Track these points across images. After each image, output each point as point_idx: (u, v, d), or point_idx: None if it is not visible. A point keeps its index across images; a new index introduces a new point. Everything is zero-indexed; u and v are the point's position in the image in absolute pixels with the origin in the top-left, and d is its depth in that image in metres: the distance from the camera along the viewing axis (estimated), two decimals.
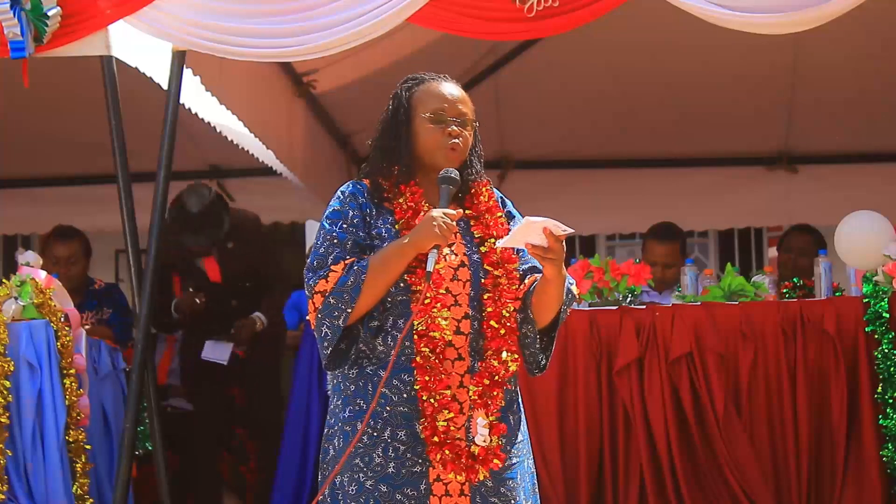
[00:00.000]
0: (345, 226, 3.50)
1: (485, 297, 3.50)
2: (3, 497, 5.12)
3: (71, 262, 6.67)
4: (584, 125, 8.34)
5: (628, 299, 5.70)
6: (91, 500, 5.43)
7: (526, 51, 7.71)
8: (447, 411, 3.40)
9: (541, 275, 3.50)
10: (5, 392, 5.17)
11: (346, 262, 3.44)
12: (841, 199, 7.87)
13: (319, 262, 3.46)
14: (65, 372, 5.37)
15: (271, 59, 5.82)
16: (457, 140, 3.53)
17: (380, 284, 3.43)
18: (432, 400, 3.41)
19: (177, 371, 7.97)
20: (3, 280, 5.49)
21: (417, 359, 3.43)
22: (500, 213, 3.61)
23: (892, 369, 5.30)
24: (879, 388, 5.32)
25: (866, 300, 5.40)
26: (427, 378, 3.41)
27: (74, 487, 5.34)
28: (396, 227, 3.51)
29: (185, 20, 5.43)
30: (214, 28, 5.41)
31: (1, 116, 6.95)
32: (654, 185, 8.87)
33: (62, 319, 5.45)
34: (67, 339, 5.41)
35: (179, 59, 5.53)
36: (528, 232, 3.40)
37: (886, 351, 5.31)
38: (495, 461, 3.43)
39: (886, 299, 5.36)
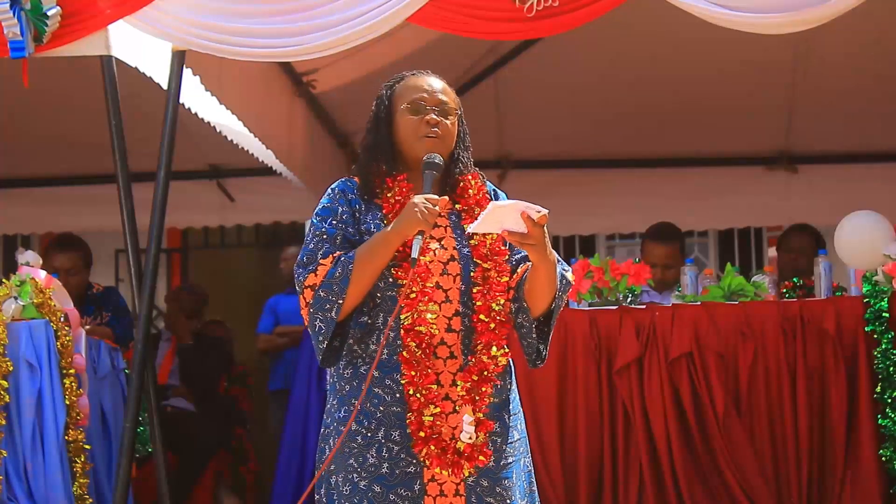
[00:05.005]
0: (334, 222, 3.49)
1: (474, 290, 3.47)
2: None
3: (71, 273, 6.55)
4: (584, 125, 8.33)
5: (628, 299, 5.70)
6: (91, 500, 5.42)
7: (526, 51, 7.70)
8: (433, 406, 3.37)
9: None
10: (2, 392, 5.17)
11: (335, 255, 3.43)
12: (841, 199, 7.87)
13: (309, 257, 3.45)
14: (64, 372, 5.37)
15: (271, 59, 5.82)
16: (435, 127, 3.51)
17: (367, 274, 3.41)
18: (418, 395, 3.38)
19: (177, 371, 7.99)
20: (3, 280, 5.49)
21: (404, 353, 3.40)
22: None
23: (891, 369, 5.30)
24: (879, 387, 5.32)
25: (866, 300, 5.40)
26: (413, 373, 3.39)
27: (74, 487, 5.33)
28: (385, 221, 3.49)
29: (184, 20, 5.42)
30: (214, 28, 5.41)
31: (1, 116, 6.95)
32: (654, 185, 8.87)
33: (62, 319, 5.44)
34: (67, 338, 5.40)
35: (179, 59, 5.53)
36: (501, 217, 3.33)
37: (886, 350, 5.31)
38: (481, 458, 3.39)
39: (886, 299, 5.36)
